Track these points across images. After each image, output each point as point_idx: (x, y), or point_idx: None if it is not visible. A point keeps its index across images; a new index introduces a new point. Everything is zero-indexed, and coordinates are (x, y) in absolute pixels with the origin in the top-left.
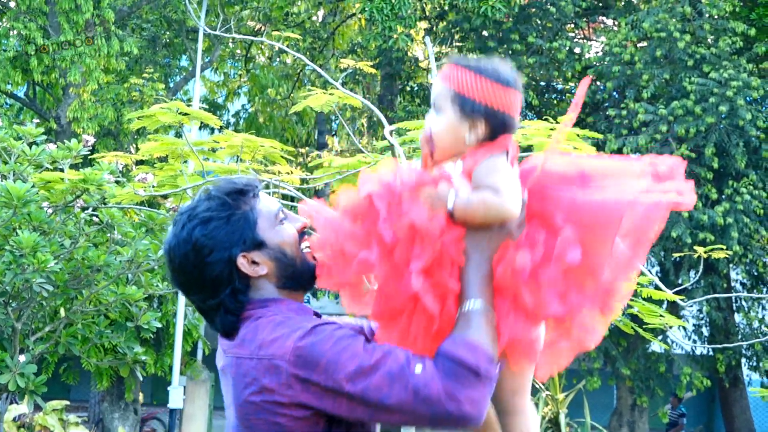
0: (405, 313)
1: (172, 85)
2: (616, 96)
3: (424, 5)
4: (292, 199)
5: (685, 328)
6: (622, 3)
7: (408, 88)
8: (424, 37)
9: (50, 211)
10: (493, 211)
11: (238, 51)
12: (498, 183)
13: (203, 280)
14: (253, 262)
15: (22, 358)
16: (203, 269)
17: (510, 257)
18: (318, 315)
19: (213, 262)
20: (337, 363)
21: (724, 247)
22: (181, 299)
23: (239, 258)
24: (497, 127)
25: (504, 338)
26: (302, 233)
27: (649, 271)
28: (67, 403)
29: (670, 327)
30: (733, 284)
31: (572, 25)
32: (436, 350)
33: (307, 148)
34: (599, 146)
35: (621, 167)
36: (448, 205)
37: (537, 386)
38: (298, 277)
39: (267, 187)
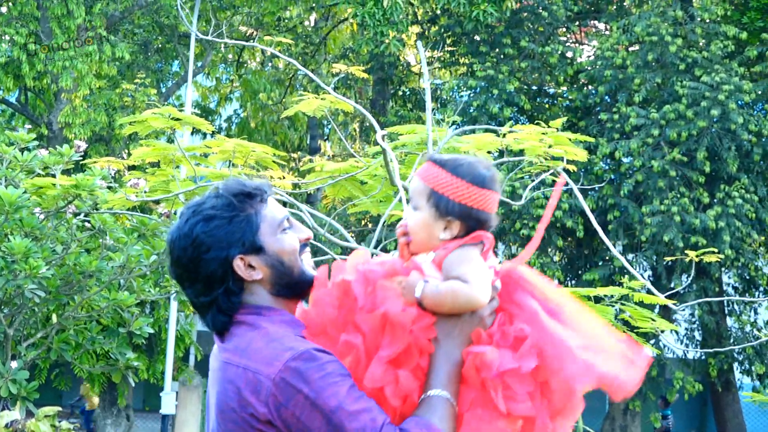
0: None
1: (164, 90)
2: (608, 100)
3: (416, 10)
4: (284, 204)
5: (677, 332)
6: (614, 7)
7: (400, 93)
8: (416, 42)
9: (42, 216)
10: (462, 299)
11: (230, 56)
12: (467, 273)
13: (198, 275)
14: (250, 266)
15: (14, 364)
16: (199, 265)
17: (478, 351)
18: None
19: (209, 259)
20: (317, 398)
21: (716, 250)
22: (173, 305)
23: (236, 260)
24: (472, 225)
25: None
26: (304, 245)
27: (641, 275)
28: (60, 409)
29: (662, 331)
30: (725, 288)
31: (564, 29)
32: (401, 425)
33: (299, 152)
34: (591, 150)
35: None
36: (416, 293)
37: None
38: (293, 286)
39: None
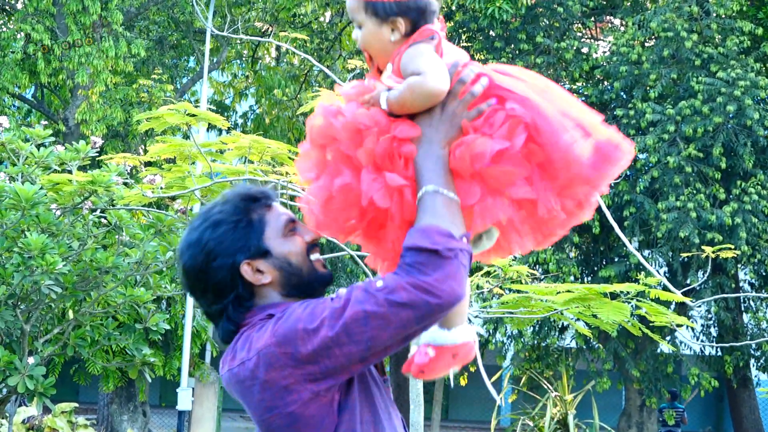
0: (369, 219)
1: (179, 86)
2: (624, 96)
3: None
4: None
5: (693, 329)
6: (629, 2)
7: None
8: None
9: (58, 213)
10: (419, 91)
11: (245, 52)
12: (420, 66)
13: (207, 284)
14: (258, 270)
15: (31, 360)
16: (207, 273)
17: (468, 141)
18: None
19: (217, 267)
20: (311, 320)
21: (732, 247)
22: (190, 301)
23: (243, 265)
24: (417, 17)
25: (486, 219)
26: (313, 245)
27: (657, 271)
28: (76, 405)
29: (678, 327)
30: (741, 284)
31: (579, 25)
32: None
33: None
34: None
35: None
36: (382, 104)
37: (546, 388)
38: (304, 286)
39: (275, 188)
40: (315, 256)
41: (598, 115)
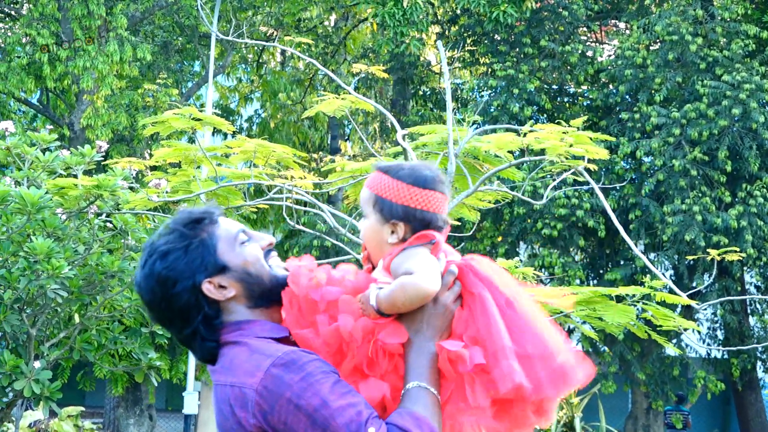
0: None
1: (184, 90)
2: (629, 99)
3: (436, 10)
4: (305, 204)
5: (699, 332)
6: (635, 6)
7: (420, 93)
8: (436, 42)
9: (64, 217)
10: (410, 290)
11: (250, 56)
12: (412, 266)
13: (173, 311)
14: (220, 286)
15: (37, 364)
16: (171, 301)
17: (448, 348)
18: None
19: (179, 292)
20: (299, 399)
21: (738, 249)
22: None
23: (204, 284)
24: (417, 226)
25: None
26: (268, 250)
27: (663, 274)
28: (83, 409)
29: (684, 330)
30: (747, 287)
31: (584, 29)
32: (387, 419)
33: (320, 152)
34: (612, 149)
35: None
36: (371, 302)
37: None
38: (267, 293)
39: (280, 192)
40: (274, 260)
41: (561, 335)
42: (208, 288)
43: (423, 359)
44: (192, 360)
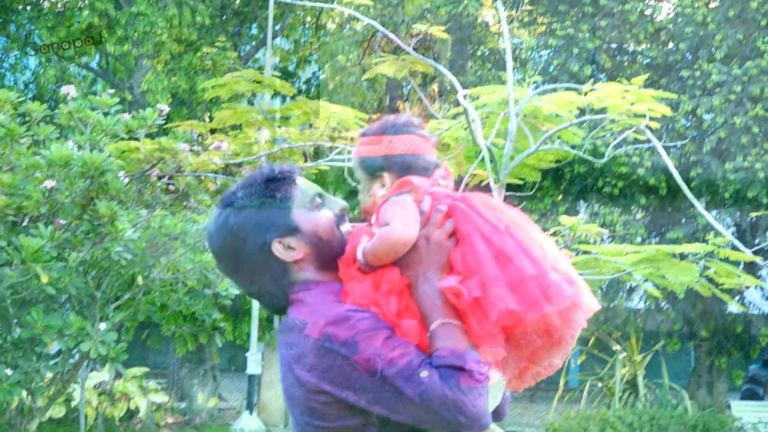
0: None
1: (242, 53)
2: (689, 57)
3: None
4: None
5: (762, 289)
6: None
7: (479, 53)
8: (494, 2)
9: (126, 180)
10: (386, 241)
11: (309, 18)
12: (389, 217)
13: (241, 265)
14: (289, 247)
15: (102, 326)
16: (240, 255)
17: (443, 284)
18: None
19: (248, 248)
20: (353, 355)
21: None
22: None
23: (274, 243)
24: (401, 172)
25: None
26: (341, 216)
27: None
28: (147, 369)
29: (747, 287)
30: None
31: None
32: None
33: (378, 114)
34: (673, 107)
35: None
36: (359, 256)
37: (614, 349)
38: (336, 258)
39: (341, 153)
40: (345, 227)
41: (562, 256)
42: (277, 248)
43: (431, 298)
44: (255, 321)
